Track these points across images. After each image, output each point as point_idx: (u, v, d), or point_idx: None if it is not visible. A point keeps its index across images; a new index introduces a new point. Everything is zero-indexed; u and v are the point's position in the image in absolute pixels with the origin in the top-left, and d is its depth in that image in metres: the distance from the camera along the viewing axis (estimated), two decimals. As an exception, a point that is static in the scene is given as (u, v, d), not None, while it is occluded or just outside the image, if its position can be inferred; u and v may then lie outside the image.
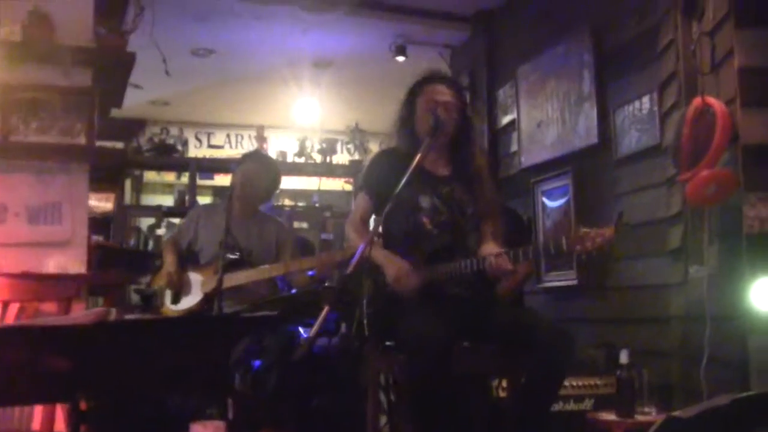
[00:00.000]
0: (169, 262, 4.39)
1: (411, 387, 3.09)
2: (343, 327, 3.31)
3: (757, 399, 2.23)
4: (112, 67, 3.09)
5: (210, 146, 9.42)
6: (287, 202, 8.71)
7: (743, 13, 3.03)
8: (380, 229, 3.41)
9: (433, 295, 3.22)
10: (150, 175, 9.18)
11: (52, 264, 2.90)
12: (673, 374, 3.63)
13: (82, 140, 2.92)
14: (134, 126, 8.98)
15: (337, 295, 2.92)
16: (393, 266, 3.17)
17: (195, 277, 4.39)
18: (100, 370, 1.56)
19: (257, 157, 4.52)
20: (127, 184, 8.96)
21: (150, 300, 4.70)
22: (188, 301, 4.38)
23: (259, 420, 3.76)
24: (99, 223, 5.32)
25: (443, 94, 3.35)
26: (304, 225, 8.13)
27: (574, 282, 4.69)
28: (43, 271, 2.85)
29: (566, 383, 3.92)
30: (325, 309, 2.91)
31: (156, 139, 8.54)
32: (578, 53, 4.75)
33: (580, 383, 3.96)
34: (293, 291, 4.15)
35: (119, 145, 8.66)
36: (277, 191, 6.90)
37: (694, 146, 3.06)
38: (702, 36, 3.28)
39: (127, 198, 8.78)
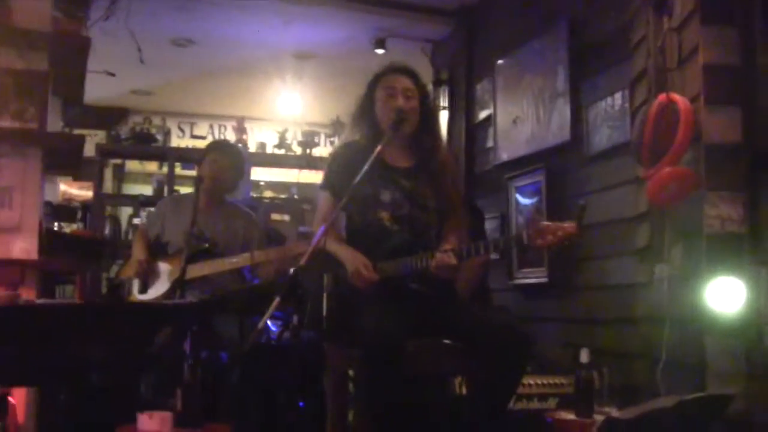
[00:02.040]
0: (138, 251, 4.37)
1: (364, 383, 3.05)
2: (295, 319, 3.26)
3: (704, 401, 2.19)
4: (68, 51, 3.02)
5: (193, 136, 9.36)
6: (268, 193, 8.66)
7: (710, 9, 2.99)
8: (342, 223, 3.40)
9: (393, 291, 3.18)
10: (132, 165, 9.11)
11: (1, 250, 2.84)
12: (636, 375, 3.58)
13: (34, 124, 2.86)
14: (116, 115, 8.92)
15: (288, 287, 2.86)
16: (352, 260, 3.13)
17: (164, 267, 4.36)
18: (9, 355, 1.50)
19: (222, 147, 4.47)
20: (109, 173, 8.89)
21: (117, 289, 4.67)
22: (156, 291, 4.34)
23: (208, 412, 3.72)
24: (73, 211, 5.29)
25: (402, 82, 3.31)
26: (286, 217, 8.07)
27: (545, 279, 4.65)
28: (-10, 258, 2.80)
29: (530, 382, 3.90)
30: (276, 300, 2.89)
31: (138, 129, 8.46)
32: (554, 49, 4.70)
33: (545, 382, 3.93)
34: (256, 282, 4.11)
35: (99, 133, 8.66)
36: (243, 181, 6.90)
37: (656, 143, 3.02)
38: (669, 32, 3.23)
39: (108, 187, 8.71)
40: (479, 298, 4.44)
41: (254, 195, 7.91)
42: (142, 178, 9.11)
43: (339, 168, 3.36)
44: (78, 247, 3.04)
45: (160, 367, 3.22)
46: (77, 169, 3.34)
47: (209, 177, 4.28)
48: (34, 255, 2.90)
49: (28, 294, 2.80)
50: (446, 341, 3.23)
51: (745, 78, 2.99)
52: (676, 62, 3.20)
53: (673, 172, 2.91)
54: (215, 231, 4.33)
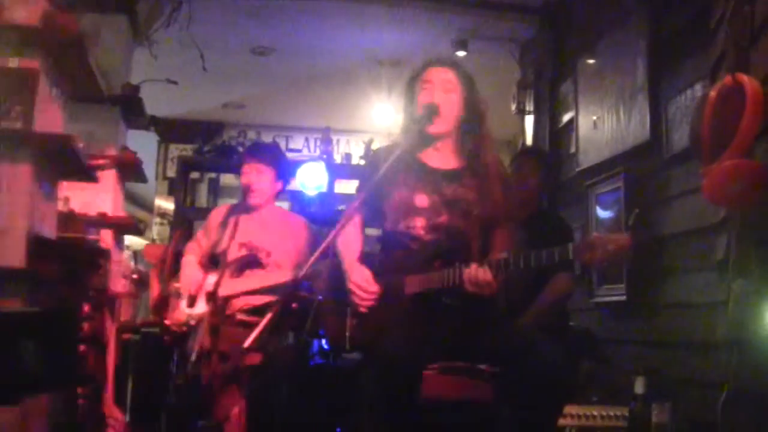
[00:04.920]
0: (188, 265, 4.18)
1: (376, 409, 2.69)
2: (291, 337, 2.94)
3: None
4: (64, 48, 2.82)
5: (288, 150, 9.15)
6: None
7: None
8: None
9: (422, 307, 2.82)
10: (228, 179, 9.05)
11: (-17, 256, 2.65)
12: (710, 409, 3.05)
13: (18, 124, 2.66)
14: (209, 129, 8.89)
15: (283, 302, 2.56)
16: (351, 273, 2.82)
17: (211, 280, 4.13)
18: None
19: (254, 151, 4.21)
20: (203, 187, 8.87)
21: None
22: (203, 305, 4.13)
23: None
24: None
25: (440, 74, 2.95)
26: (373, 232, 7.77)
27: (623, 297, 4.13)
28: (-29, 264, 2.61)
29: (595, 413, 3.47)
30: (268, 315, 2.61)
31: (233, 142, 8.39)
32: (634, 40, 4.20)
33: (612, 413, 3.47)
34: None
35: (188, 147, 8.66)
36: (328, 194, 6.63)
37: (719, 134, 2.51)
38: (739, 3, 2.71)
39: (203, 201, 8.69)
40: (552, 326, 3.92)
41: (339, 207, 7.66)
42: (236, 192, 9.01)
43: (372, 171, 3.02)
44: (73, 257, 2.82)
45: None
46: (83, 175, 3.12)
47: (247, 184, 4.04)
48: (17, 262, 2.69)
49: (10, 302, 2.60)
50: (481, 366, 2.84)
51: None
52: (748, 39, 2.69)
53: (735, 166, 2.39)
54: (267, 241, 4.08)
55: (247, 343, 2.47)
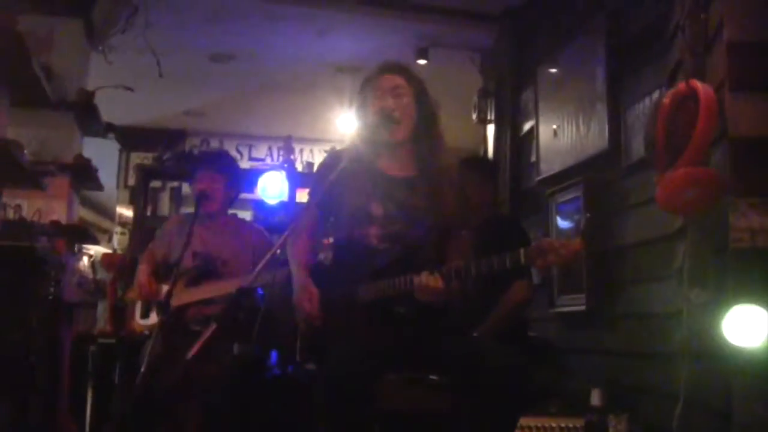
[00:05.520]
0: (142, 273, 4.08)
1: (330, 421, 2.62)
2: (236, 347, 2.85)
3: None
4: (4, 50, 2.73)
5: (251, 159, 9.06)
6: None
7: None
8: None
9: (374, 317, 2.74)
10: (189, 188, 8.92)
11: None
12: (663, 419, 3.02)
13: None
14: (172, 137, 8.75)
15: (226, 312, 2.48)
16: (297, 287, 2.77)
17: (166, 290, 4.05)
18: None
19: (205, 158, 4.15)
20: (166, 196, 8.74)
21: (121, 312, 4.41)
22: (156, 315, 4.04)
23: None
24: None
25: (390, 80, 2.89)
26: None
27: (583, 307, 4.09)
28: None
29: (553, 424, 3.40)
30: (212, 327, 2.52)
31: (195, 150, 8.26)
32: (593, 49, 4.18)
33: (570, 424, 3.42)
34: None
35: (150, 156, 8.52)
36: (288, 203, 6.55)
37: (674, 141, 2.48)
38: (694, 9, 2.69)
39: (165, 210, 8.55)
40: (511, 336, 3.87)
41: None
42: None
43: (322, 178, 2.96)
44: (17, 264, 2.71)
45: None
46: (27, 181, 3.03)
47: (201, 192, 3.97)
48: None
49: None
50: (433, 377, 2.77)
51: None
52: (702, 45, 2.67)
53: (689, 174, 2.36)
54: (222, 250, 4.02)
55: (190, 354, 2.39)
